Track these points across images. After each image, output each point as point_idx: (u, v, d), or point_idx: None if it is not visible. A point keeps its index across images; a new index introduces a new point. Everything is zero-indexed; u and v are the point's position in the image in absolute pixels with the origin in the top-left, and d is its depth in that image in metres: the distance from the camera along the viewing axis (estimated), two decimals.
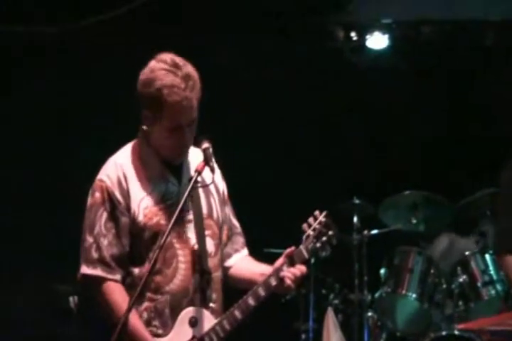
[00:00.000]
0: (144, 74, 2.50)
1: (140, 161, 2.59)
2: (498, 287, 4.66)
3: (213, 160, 2.55)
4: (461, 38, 5.62)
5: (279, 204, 4.53)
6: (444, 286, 4.76)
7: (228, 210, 2.73)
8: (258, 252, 2.79)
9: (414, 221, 4.88)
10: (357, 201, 4.89)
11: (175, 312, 2.49)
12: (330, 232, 2.50)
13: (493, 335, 3.42)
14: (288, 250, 2.49)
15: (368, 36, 5.47)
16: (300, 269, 2.46)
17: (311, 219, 2.54)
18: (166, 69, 2.46)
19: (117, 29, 5.06)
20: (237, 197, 2.84)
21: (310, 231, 2.53)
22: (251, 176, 5.18)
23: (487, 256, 4.70)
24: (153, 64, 2.49)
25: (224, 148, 2.68)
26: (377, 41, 5.48)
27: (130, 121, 2.68)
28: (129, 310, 2.29)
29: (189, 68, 2.48)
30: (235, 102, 2.86)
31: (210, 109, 2.62)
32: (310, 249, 2.50)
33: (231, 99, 2.99)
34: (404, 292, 4.74)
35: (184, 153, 2.55)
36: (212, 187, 2.65)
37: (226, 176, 2.76)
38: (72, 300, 4.33)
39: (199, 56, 2.65)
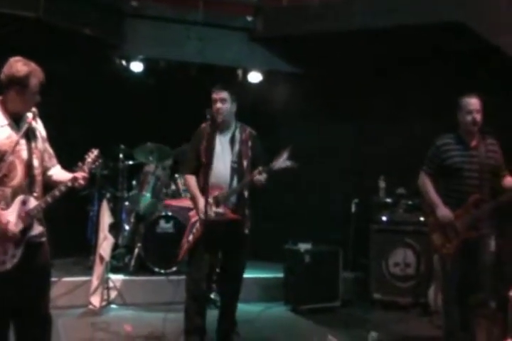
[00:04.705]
0: (11, 67, 2.94)
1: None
2: None
3: (38, 117, 3.08)
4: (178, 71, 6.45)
5: (82, 143, 4.30)
6: (164, 191, 5.95)
7: (46, 145, 3.17)
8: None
9: (151, 158, 6.04)
10: (122, 146, 5.97)
11: (14, 198, 2.96)
12: (99, 160, 3.14)
13: (176, 209, 4.48)
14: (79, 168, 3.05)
15: (131, 63, 6.33)
16: (84, 172, 3.05)
17: (89, 152, 3.12)
18: (24, 64, 2.97)
19: None
20: (59, 137, 3.39)
21: (89, 159, 3.09)
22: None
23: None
24: (13, 62, 2.97)
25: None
26: (136, 66, 6.36)
27: None
28: None
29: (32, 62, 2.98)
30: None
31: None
32: (88, 167, 3.07)
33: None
34: (144, 193, 5.95)
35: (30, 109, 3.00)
36: (37, 132, 3.10)
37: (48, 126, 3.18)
38: None
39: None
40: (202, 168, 3.93)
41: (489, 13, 4.79)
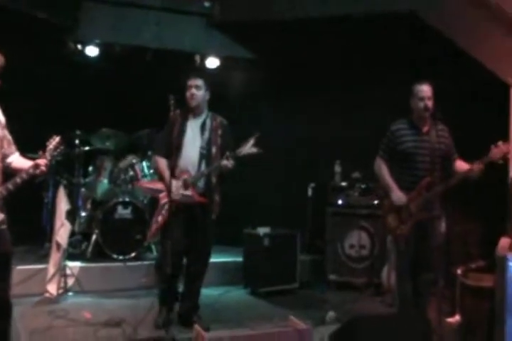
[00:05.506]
0: None
1: None
2: (148, 177, 5.82)
3: None
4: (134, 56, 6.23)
5: (37, 129, 4.41)
6: (122, 177, 5.84)
7: (6, 131, 3.14)
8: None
9: (107, 144, 6.02)
10: (78, 132, 5.79)
11: None
12: (61, 147, 3.20)
13: (148, 190, 4.42)
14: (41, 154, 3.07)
15: (87, 48, 6.12)
16: (46, 158, 3.08)
17: (51, 140, 3.15)
18: None
19: None
20: (14, 124, 3.25)
21: (51, 146, 3.13)
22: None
23: (144, 163, 5.93)
24: None
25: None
26: (91, 51, 6.14)
27: None
28: None
29: None
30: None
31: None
32: (50, 154, 3.10)
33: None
34: (101, 179, 5.93)
35: None
36: None
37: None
38: None
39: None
40: (172, 151, 4.00)
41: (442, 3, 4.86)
